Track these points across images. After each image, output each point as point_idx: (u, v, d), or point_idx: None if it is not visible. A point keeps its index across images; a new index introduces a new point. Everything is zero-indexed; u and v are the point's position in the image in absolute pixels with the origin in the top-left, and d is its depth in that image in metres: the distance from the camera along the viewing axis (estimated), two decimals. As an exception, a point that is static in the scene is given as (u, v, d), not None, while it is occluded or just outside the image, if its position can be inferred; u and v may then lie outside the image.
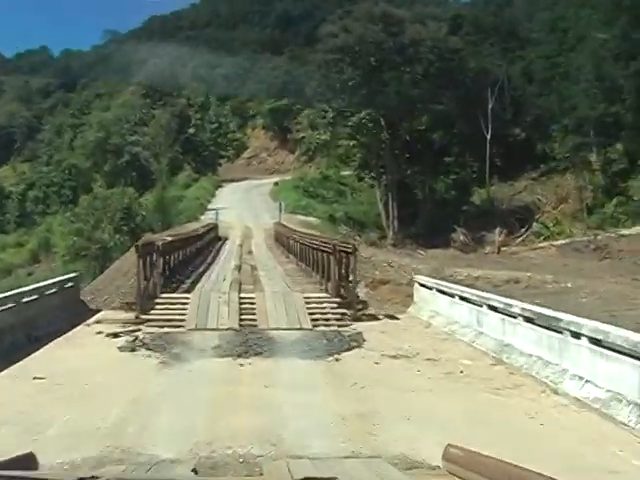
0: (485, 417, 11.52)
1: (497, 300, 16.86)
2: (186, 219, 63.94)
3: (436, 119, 66.33)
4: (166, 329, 19.24)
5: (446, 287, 20.87)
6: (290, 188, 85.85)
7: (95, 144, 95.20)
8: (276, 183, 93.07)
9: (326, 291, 24.04)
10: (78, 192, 79.96)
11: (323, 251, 25.29)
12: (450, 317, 19.92)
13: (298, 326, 19.46)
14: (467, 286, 21.05)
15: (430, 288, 22.16)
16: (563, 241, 59.18)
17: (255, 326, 19.45)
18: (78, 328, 20.14)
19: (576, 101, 62.53)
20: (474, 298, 18.26)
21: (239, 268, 31.31)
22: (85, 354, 16.82)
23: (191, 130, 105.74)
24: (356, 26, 64.42)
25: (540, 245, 60.25)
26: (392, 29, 63.81)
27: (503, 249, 60.95)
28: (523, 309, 15.16)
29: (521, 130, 71.52)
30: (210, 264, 34.94)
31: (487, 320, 17.14)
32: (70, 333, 19.37)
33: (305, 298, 21.96)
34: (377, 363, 15.84)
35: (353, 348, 17.39)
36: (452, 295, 19.93)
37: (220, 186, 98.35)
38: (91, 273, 45.32)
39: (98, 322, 21.06)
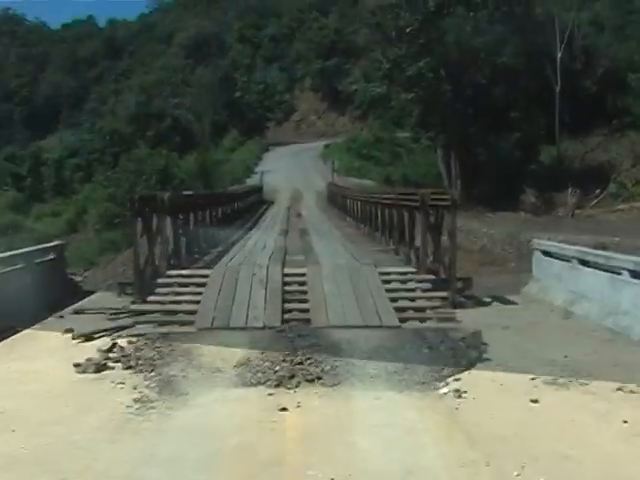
0: None
1: None
2: (230, 182, 57.79)
3: (500, 72, 58.72)
4: (168, 327, 11.89)
5: (603, 257, 13.06)
6: (342, 150, 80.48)
7: (137, 108, 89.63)
8: (327, 145, 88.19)
9: (408, 263, 16.25)
10: (120, 159, 74.47)
11: (402, 207, 17.54)
12: (612, 305, 12.31)
13: (377, 322, 11.80)
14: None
15: (566, 259, 14.40)
16: None
17: (307, 322, 11.88)
18: (43, 323, 13.23)
19: None
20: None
21: (285, 233, 23.80)
22: (15, 377, 9.95)
23: (237, 93, 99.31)
24: (412, -33, 56.41)
25: (620, 207, 53.00)
26: (452, -32, 55.77)
27: (577, 212, 53.97)
28: None
29: (592, 83, 63.42)
30: (249, 229, 27.42)
31: None
32: (25, 332, 12.50)
33: (381, 275, 14.20)
34: (534, 401, 8.46)
35: (474, 363, 10.04)
36: (617, 271, 12.16)
37: (268, 150, 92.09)
38: (125, 243, 38.67)
39: (78, 312, 14.12)
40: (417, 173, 64.59)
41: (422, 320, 12.09)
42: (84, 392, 8.96)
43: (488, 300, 15.22)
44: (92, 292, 17.05)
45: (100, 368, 9.83)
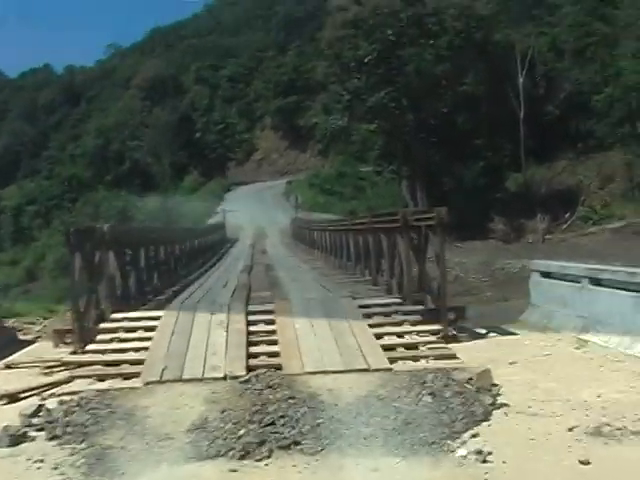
0: None
1: None
2: (192, 223, 56.07)
3: (462, 99, 57.63)
4: (109, 381, 9.65)
5: (624, 274, 11.01)
6: (305, 187, 79.54)
7: (95, 152, 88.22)
8: (289, 182, 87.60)
9: (390, 293, 14.15)
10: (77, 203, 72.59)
11: (379, 230, 15.45)
12: (638, 330, 10.11)
13: (363, 365, 9.54)
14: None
15: (572, 279, 12.37)
16: (618, 224, 50.54)
17: (278, 368, 9.57)
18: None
19: (620, 66, 53.90)
20: None
21: (249, 269, 21.59)
22: None
23: (197, 134, 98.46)
24: (369, -4, 55.28)
25: (591, 230, 51.79)
26: (409, -3, 54.65)
27: (548, 237, 53.02)
28: None
29: (555, 107, 62.57)
30: (210, 267, 25.26)
31: None
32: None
33: (361, 308, 12.08)
34: (585, 463, 6.34)
35: (490, 412, 7.86)
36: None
37: (230, 189, 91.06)
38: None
39: (9, 367, 11.90)
40: (382, 206, 62.98)
41: (415, 359, 9.96)
42: (-11, 476, 6.74)
43: (482, 331, 13.32)
44: (32, 342, 14.87)
45: (17, 439, 7.57)
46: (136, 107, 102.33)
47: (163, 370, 9.54)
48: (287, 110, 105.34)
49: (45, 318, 26.79)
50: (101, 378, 9.75)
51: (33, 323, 21.14)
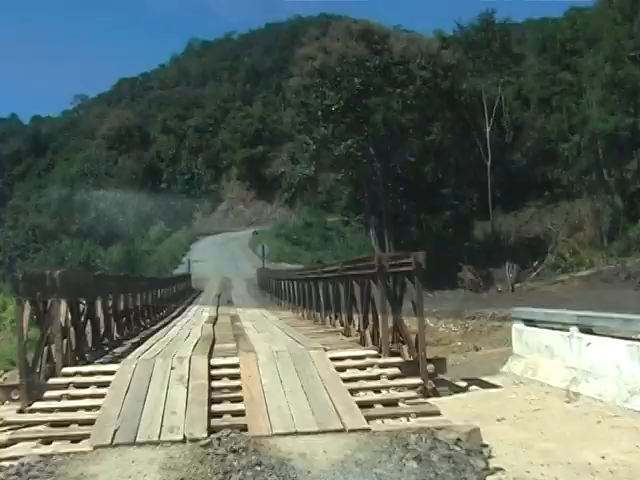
0: None
1: None
2: (157, 273, 54.91)
3: (429, 148, 57.60)
4: (55, 444, 8.51)
5: (619, 321, 10.19)
6: (272, 236, 79.52)
7: (59, 201, 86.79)
8: (255, 232, 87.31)
9: (363, 345, 13.21)
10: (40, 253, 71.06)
11: (351, 277, 14.54)
12: (636, 382, 9.36)
13: (338, 425, 8.49)
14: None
15: (559, 327, 11.56)
16: (587, 272, 50.39)
17: (244, 430, 8.50)
18: None
19: (586, 115, 54.41)
20: None
21: (214, 320, 20.50)
22: None
23: (163, 184, 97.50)
24: (336, 45, 55.28)
25: (560, 278, 51.30)
26: (376, 46, 54.69)
27: (517, 285, 52.64)
28: None
29: (522, 156, 62.96)
30: (173, 318, 24.18)
31: None
32: None
33: (334, 361, 11.11)
34: None
35: (484, 478, 6.93)
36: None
37: (196, 239, 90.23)
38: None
39: None
40: (350, 255, 62.61)
41: (395, 417, 8.98)
42: None
43: (462, 384, 12.45)
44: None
45: None
46: (101, 156, 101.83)
47: (115, 432, 8.45)
48: (253, 160, 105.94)
49: (6, 370, 25.57)
50: (47, 440, 8.66)
51: (-3, 375, 19.36)
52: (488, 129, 58.29)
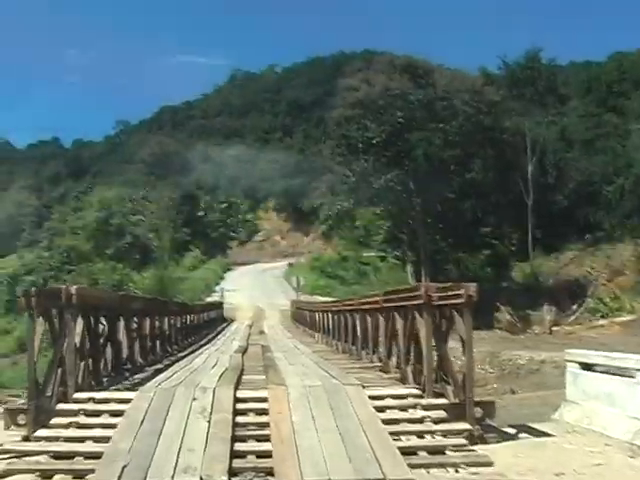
0: None
1: None
2: (189, 300, 54.46)
3: (470, 185, 56.66)
4: (55, 479, 7.67)
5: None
6: (306, 269, 79.11)
7: (96, 224, 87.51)
8: (290, 264, 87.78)
9: (404, 383, 12.08)
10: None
11: (393, 309, 13.43)
12: None
13: (378, 474, 7.32)
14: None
15: (621, 373, 10.45)
16: (628, 317, 49.63)
17: (270, 474, 7.47)
18: None
19: (631, 157, 54.10)
20: None
21: (244, 350, 19.46)
22: None
23: (200, 212, 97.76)
24: (379, 78, 54.71)
25: (600, 323, 50.54)
26: (420, 80, 54.04)
27: (555, 329, 51.42)
28: None
29: (564, 197, 61.78)
30: (202, 346, 23.19)
31: None
32: None
33: (372, 400, 10.00)
34: None
35: None
36: None
37: (230, 269, 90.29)
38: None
39: None
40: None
41: (442, 466, 7.88)
42: None
43: (512, 431, 11.25)
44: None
45: None
46: (140, 181, 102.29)
47: (123, 469, 7.40)
48: (291, 192, 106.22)
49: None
50: (46, 474, 7.69)
51: (18, 396, 19.34)
52: (530, 168, 57.21)
